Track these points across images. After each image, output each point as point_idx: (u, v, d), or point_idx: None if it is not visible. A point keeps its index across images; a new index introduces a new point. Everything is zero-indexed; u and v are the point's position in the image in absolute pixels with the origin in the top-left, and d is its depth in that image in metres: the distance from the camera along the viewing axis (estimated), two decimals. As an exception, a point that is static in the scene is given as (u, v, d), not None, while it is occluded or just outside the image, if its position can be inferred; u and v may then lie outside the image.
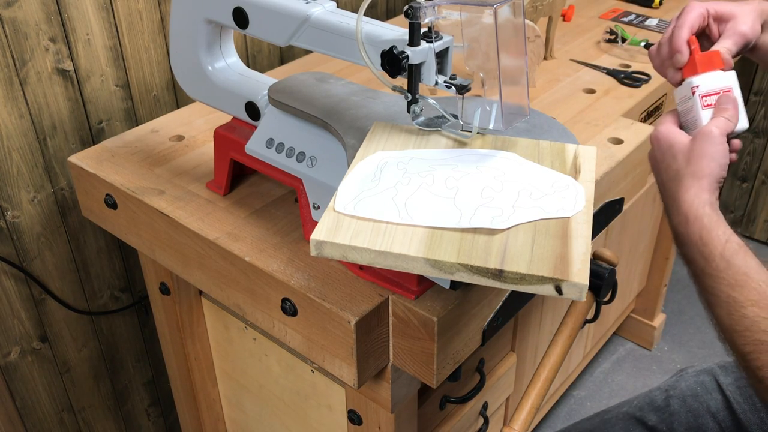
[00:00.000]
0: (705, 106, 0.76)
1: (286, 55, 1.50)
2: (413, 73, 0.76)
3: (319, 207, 0.88)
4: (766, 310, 0.66)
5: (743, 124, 0.75)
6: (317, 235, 0.68)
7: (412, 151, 0.80)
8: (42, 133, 1.15)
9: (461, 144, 0.81)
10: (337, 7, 0.83)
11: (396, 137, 0.82)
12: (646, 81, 1.27)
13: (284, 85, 0.93)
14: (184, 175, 1.03)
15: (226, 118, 1.02)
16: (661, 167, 0.76)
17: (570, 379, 1.68)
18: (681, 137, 0.75)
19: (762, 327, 0.66)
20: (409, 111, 0.81)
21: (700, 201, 0.71)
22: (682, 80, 0.80)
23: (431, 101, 0.81)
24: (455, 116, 0.83)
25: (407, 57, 0.74)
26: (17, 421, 1.30)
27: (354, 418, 0.98)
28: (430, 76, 0.76)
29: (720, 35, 0.80)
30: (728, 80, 0.77)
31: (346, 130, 0.85)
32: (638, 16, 1.56)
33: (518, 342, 1.23)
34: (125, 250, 1.34)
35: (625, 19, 1.55)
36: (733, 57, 0.79)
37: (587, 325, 1.33)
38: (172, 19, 0.94)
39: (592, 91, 1.25)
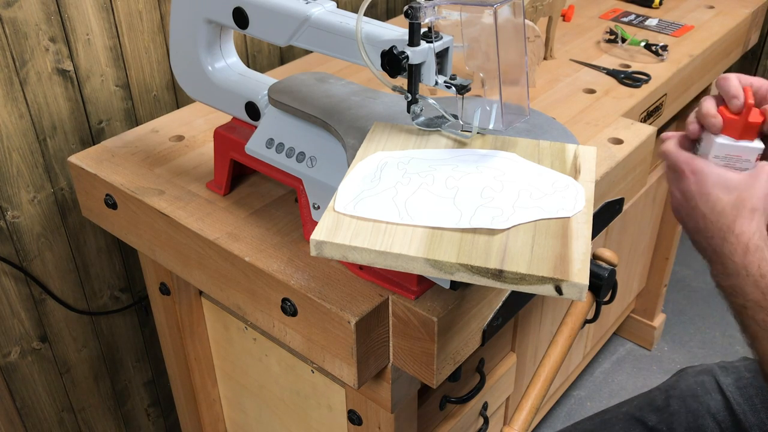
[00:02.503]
0: None
1: (286, 55, 1.50)
2: (413, 73, 0.76)
3: (319, 207, 0.88)
4: None
5: None
6: (317, 235, 0.68)
7: (412, 151, 0.80)
8: (42, 133, 1.15)
9: (461, 144, 0.81)
10: (337, 7, 0.83)
11: (396, 137, 0.82)
12: (646, 81, 1.27)
13: (284, 85, 0.93)
14: (184, 175, 1.03)
15: (226, 118, 1.02)
16: (705, 198, 0.75)
17: (570, 379, 1.68)
18: (731, 172, 0.76)
19: None
20: (409, 111, 0.81)
21: (762, 234, 0.72)
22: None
23: (431, 101, 0.81)
24: (455, 116, 0.83)
25: (407, 57, 0.74)
26: (17, 421, 1.30)
27: (354, 418, 0.98)
28: (430, 76, 0.76)
29: None
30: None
31: (346, 130, 0.85)
32: (638, 16, 1.56)
33: (518, 342, 1.23)
34: (125, 250, 1.34)
35: (625, 19, 1.55)
36: None
37: (587, 325, 1.33)
38: (172, 19, 0.94)
39: (592, 91, 1.25)
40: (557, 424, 1.76)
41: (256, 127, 0.94)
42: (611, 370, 1.90)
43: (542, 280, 0.63)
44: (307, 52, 1.46)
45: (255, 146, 0.92)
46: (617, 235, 1.46)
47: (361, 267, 0.84)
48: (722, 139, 0.77)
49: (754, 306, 0.70)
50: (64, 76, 1.15)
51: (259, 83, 0.95)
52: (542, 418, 1.74)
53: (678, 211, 0.79)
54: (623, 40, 1.40)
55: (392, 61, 0.74)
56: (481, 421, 1.20)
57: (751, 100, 0.76)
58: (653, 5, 1.61)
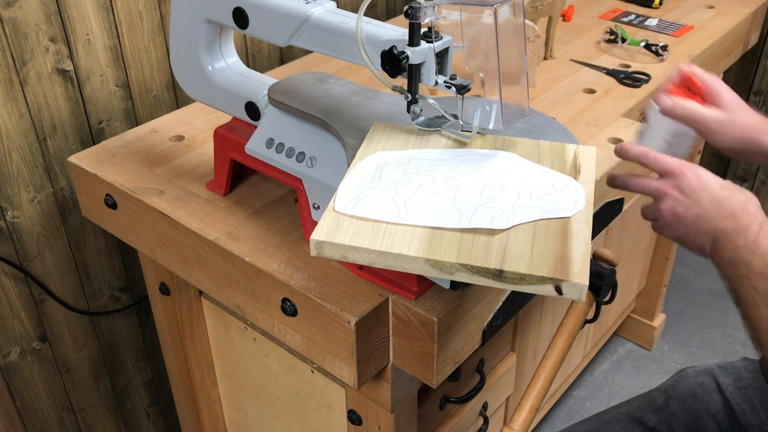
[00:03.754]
0: None
1: (286, 55, 1.50)
2: (413, 73, 0.76)
3: (319, 207, 0.88)
4: None
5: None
6: (317, 235, 0.68)
7: (412, 151, 0.80)
8: (42, 133, 1.15)
9: (461, 144, 0.81)
10: (337, 7, 0.83)
11: (396, 137, 0.82)
12: (646, 81, 1.27)
13: (284, 85, 0.93)
14: (184, 175, 1.03)
15: (226, 118, 1.02)
16: (710, 187, 0.78)
17: (570, 379, 1.68)
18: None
19: None
20: (409, 111, 0.81)
21: None
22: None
23: (431, 101, 0.81)
24: (455, 116, 0.83)
25: (407, 57, 0.74)
26: (17, 421, 1.30)
27: (354, 418, 0.98)
28: (430, 76, 0.76)
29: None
30: None
31: (346, 130, 0.85)
32: (638, 16, 1.56)
33: (518, 342, 1.23)
34: (125, 250, 1.34)
35: (625, 19, 1.55)
36: None
37: (587, 325, 1.33)
38: (172, 19, 0.94)
39: (592, 91, 1.25)
40: (557, 424, 1.76)
41: (256, 127, 0.94)
42: (611, 370, 1.90)
43: (542, 280, 0.63)
44: (307, 52, 1.46)
45: (255, 146, 0.92)
46: (617, 235, 1.46)
47: (361, 267, 0.84)
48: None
49: (758, 277, 0.73)
50: (64, 76, 1.15)
51: (259, 83, 0.95)
52: (542, 418, 1.74)
53: (674, 210, 0.78)
54: (623, 40, 1.40)
55: (392, 61, 0.74)
56: (481, 421, 1.20)
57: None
58: (653, 5, 1.61)
